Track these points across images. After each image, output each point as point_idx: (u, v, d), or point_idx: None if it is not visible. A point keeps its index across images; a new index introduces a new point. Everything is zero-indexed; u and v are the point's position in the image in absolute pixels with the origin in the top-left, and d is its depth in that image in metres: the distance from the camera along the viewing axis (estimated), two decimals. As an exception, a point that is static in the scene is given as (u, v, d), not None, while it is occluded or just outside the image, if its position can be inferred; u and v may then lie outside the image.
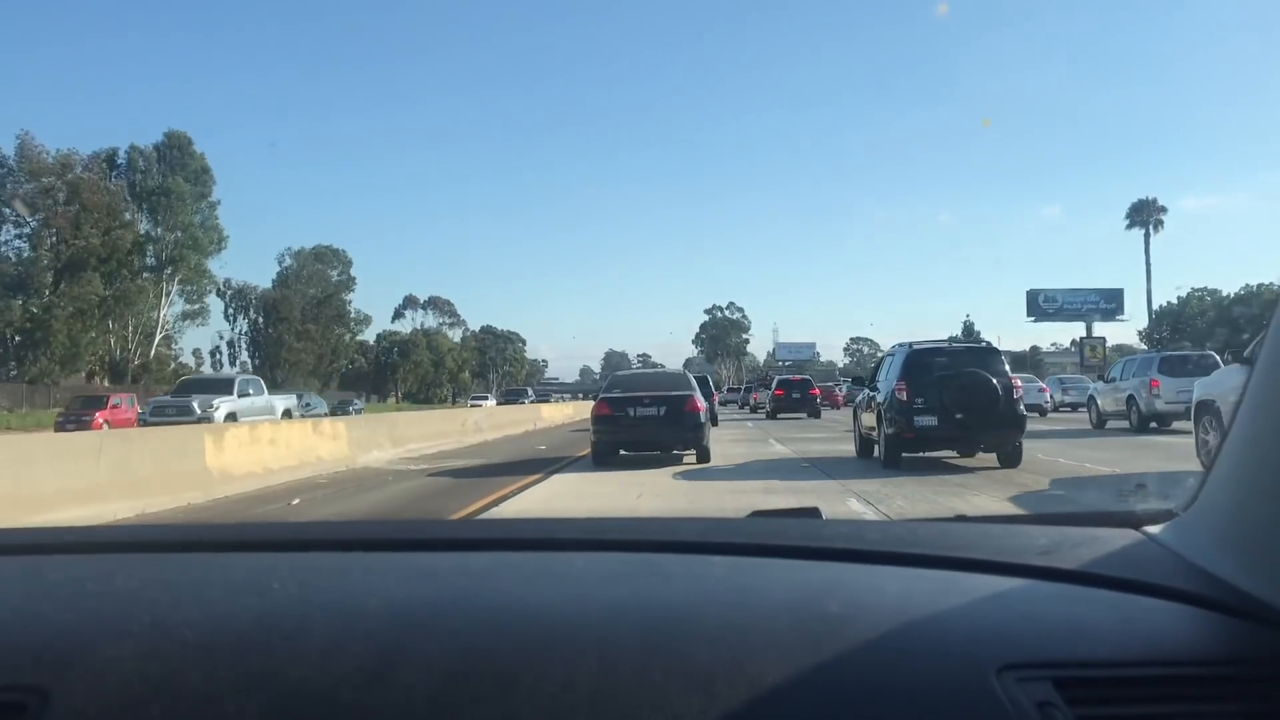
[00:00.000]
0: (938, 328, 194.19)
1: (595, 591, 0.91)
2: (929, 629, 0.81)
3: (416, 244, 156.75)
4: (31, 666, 0.76)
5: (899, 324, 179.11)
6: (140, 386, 58.62)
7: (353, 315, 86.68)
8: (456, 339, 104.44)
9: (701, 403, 12.90)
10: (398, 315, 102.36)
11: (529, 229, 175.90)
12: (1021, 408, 11.61)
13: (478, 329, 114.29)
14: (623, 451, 12.85)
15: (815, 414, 31.71)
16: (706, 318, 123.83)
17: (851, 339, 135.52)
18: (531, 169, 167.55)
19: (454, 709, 0.71)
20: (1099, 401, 20.90)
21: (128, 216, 57.13)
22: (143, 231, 59.75)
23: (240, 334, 79.92)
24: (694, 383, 13.47)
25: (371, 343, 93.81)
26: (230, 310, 79.28)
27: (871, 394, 12.96)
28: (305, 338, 78.20)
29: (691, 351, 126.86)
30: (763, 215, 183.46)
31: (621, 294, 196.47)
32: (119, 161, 61.94)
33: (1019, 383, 11.88)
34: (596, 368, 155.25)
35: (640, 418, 12.40)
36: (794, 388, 32.77)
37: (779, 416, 31.60)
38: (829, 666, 0.75)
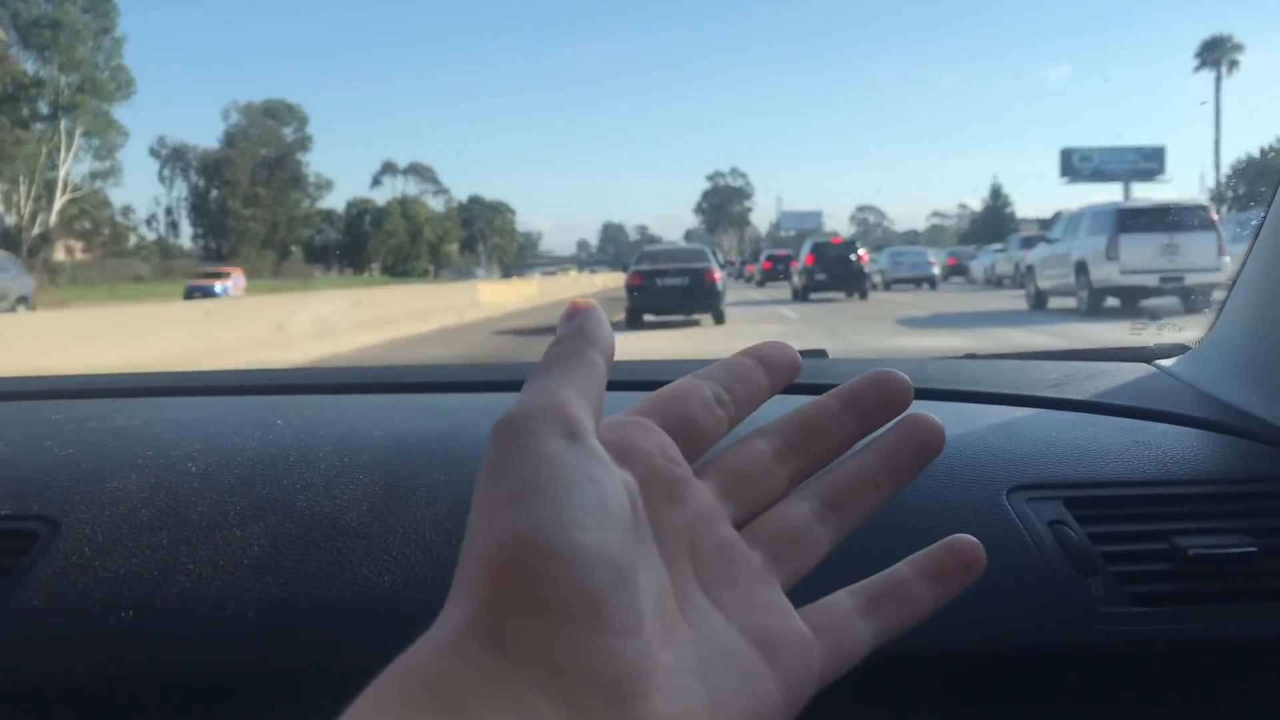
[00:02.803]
0: (957, 193, 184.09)
1: None
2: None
3: (399, 109, 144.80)
4: (39, 497, 0.78)
5: (911, 189, 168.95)
6: (39, 259, 50.33)
7: (312, 180, 77.29)
8: (440, 209, 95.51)
9: (719, 273, 15.19)
10: (375, 183, 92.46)
11: (518, 92, 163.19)
12: (865, 269, 22.90)
13: (465, 199, 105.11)
14: (648, 317, 15.02)
15: None
16: (709, 185, 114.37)
17: (858, 208, 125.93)
18: (522, 25, 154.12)
19: (460, 531, 0.79)
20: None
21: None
22: (28, 71, 50.01)
23: (180, 199, 71.05)
24: (711, 256, 16.05)
25: (340, 211, 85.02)
26: (167, 172, 70.19)
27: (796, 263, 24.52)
28: (254, 203, 69.31)
29: (693, 222, 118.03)
30: (766, 76, 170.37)
31: (619, 161, 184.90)
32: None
33: (866, 257, 23.66)
34: (594, 240, 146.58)
35: (666, 287, 14.64)
36: (779, 261, 40.64)
37: (766, 285, 39.55)
38: None
